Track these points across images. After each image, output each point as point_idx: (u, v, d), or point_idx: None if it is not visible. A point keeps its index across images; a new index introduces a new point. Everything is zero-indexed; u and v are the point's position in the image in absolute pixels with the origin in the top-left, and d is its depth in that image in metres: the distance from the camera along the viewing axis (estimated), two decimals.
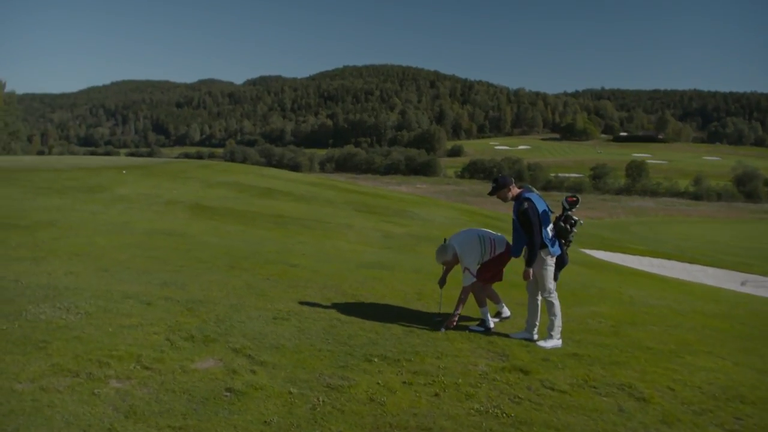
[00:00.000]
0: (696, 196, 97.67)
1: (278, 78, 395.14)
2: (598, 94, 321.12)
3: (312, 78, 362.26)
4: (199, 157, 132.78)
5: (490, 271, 6.82)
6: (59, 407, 3.80)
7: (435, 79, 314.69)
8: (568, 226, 6.25)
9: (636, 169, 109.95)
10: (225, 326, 5.77)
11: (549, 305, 6.21)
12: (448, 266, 7.16)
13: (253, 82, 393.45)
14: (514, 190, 6.33)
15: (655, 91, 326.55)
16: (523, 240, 6.22)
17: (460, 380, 4.84)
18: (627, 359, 5.88)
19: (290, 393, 4.28)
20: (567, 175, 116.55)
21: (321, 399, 4.22)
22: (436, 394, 4.51)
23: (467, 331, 6.44)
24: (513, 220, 6.35)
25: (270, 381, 4.47)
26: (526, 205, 6.08)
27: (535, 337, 6.34)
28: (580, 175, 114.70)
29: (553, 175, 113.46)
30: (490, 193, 6.47)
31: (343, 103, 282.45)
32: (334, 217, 17.85)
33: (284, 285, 7.92)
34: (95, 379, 4.27)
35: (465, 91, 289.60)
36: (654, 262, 19.82)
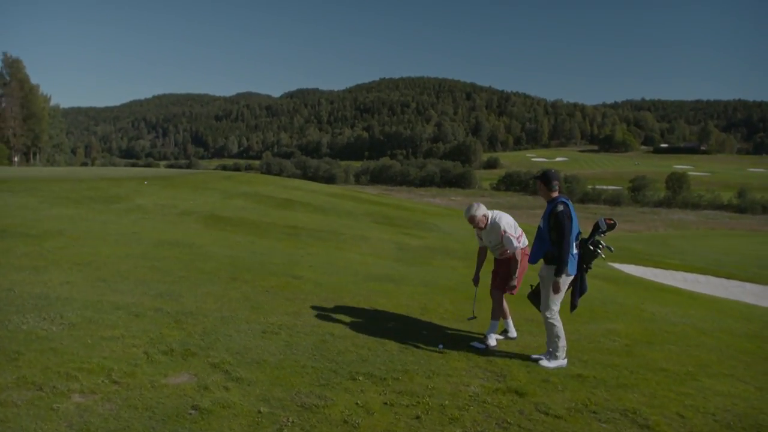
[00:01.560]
0: (740, 209, 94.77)
1: (315, 91, 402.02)
2: (638, 105, 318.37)
3: (348, 90, 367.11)
4: (236, 169, 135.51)
5: (502, 274, 6.55)
6: (12, 422, 3.60)
7: (471, 90, 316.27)
8: (598, 251, 5.82)
9: (677, 181, 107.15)
10: (209, 340, 5.54)
11: (549, 328, 5.79)
12: (480, 258, 6.86)
13: (290, 95, 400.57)
14: (555, 193, 5.85)
15: (698, 102, 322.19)
16: (545, 246, 5.78)
17: (446, 402, 4.53)
18: (636, 381, 5.47)
19: (259, 412, 4.02)
20: (605, 187, 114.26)
21: (290, 420, 3.95)
22: (417, 417, 4.20)
23: (469, 347, 6.13)
24: (539, 225, 5.91)
25: (241, 399, 4.22)
26: (561, 207, 5.66)
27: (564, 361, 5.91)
28: (619, 188, 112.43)
29: (590, 187, 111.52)
30: (536, 177, 6.00)
31: (379, 116, 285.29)
32: (351, 228, 17.60)
33: (283, 297, 7.69)
34: (58, 394, 4.07)
35: (501, 102, 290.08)
36: (688, 277, 19.04)
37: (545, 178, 5.84)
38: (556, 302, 5.74)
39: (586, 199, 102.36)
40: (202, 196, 21.27)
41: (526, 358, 5.97)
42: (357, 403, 4.33)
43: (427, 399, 4.55)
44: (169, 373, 4.60)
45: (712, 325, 9.16)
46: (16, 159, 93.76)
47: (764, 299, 15.24)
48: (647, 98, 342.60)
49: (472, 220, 6.51)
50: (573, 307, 5.95)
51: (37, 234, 11.00)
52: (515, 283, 6.42)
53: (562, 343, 5.74)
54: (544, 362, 5.70)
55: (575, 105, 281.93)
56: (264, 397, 4.29)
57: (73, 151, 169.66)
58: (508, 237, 6.35)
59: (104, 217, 14.04)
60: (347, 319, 6.86)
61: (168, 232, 12.70)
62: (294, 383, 4.63)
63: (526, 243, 6.51)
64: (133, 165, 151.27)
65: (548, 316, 5.77)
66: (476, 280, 6.88)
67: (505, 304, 6.71)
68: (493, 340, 6.42)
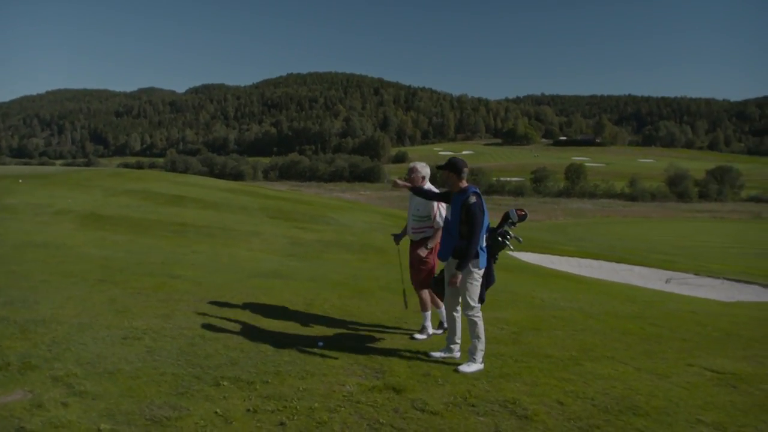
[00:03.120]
0: (631, 197, 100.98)
1: (221, 86, 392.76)
2: (539, 100, 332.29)
3: (255, 86, 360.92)
4: (139, 167, 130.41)
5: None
6: None
7: (379, 86, 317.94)
8: (506, 242, 5.56)
9: (575, 172, 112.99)
10: (58, 350, 4.95)
11: (472, 325, 5.42)
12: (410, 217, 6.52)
13: (195, 91, 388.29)
14: (464, 182, 5.46)
15: (593, 97, 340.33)
16: (453, 241, 5.39)
17: (316, 404, 4.21)
18: (519, 370, 5.37)
19: (99, 430, 3.55)
20: (509, 179, 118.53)
21: None
22: (282, 423, 3.86)
23: (350, 345, 5.83)
24: (447, 217, 5.56)
25: (80, 416, 3.72)
26: (474, 199, 5.27)
27: (458, 355, 5.64)
28: (522, 179, 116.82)
29: (495, 179, 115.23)
30: (440, 167, 5.56)
31: (287, 111, 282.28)
32: (243, 224, 16.97)
33: (155, 299, 7.12)
34: None
35: (409, 97, 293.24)
36: (582, 263, 19.77)
37: (454, 167, 5.44)
38: (475, 297, 5.42)
39: (491, 190, 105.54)
40: (83, 195, 19.89)
41: (413, 351, 5.76)
42: (216, 412, 3.93)
43: (296, 402, 4.21)
44: None
45: (598, 309, 9.41)
46: None
47: (650, 281, 16.03)
48: (547, 93, 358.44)
49: (411, 170, 6.31)
50: (480, 300, 5.58)
51: None
52: (426, 250, 6.23)
53: (482, 345, 5.41)
54: (464, 368, 5.29)
55: (480, 100, 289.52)
56: (109, 412, 3.81)
57: None
58: (441, 209, 6.14)
59: None
60: (223, 319, 6.41)
61: (36, 234, 11.66)
62: (148, 394, 4.17)
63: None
64: (26, 164, 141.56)
65: (470, 314, 5.43)
66: (397, 239, 6.79)
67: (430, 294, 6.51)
68: (431, 329, 6.34)
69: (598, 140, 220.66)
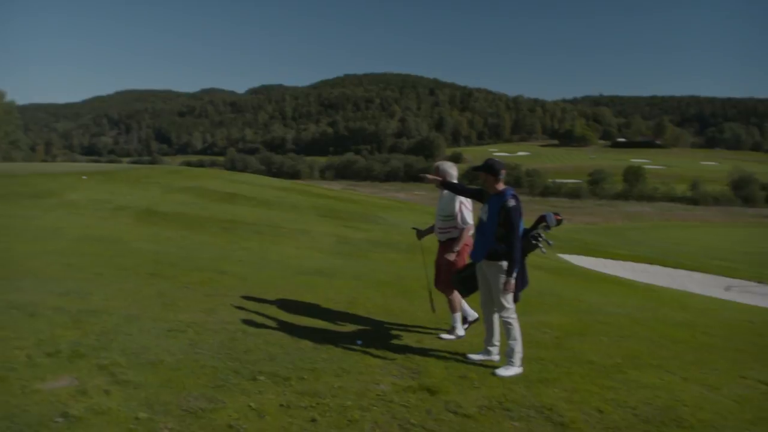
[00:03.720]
0: (693, 201, 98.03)
1: (280, 87, 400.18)
2: (597, 101, 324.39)
3: (313, 86, 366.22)
4: (200, 165, 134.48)
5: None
6: None
7: (434, 86, 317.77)
8: (538, 244, 5.49)
9: (633, 175, 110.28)
10: (105, 340, 5.15)
11: (507, 327, 5.37)
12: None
13: (254, 91, 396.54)
14: (501, 184, 5.43)
15: (653, 98, 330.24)
16: (489, 243, 5.36)
17: (349, 403, 4.24)
18: (559, 376, 5.28)
19: (137, 419, 3.67)
20: (565, 180, 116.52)
21: (169, 426, 3.62)
22: (313, 420, 3.91)
23: (389, 343, 5.85)
24: (481, 218, 5.50)
25: (120, 404, 3.86)
26: (513, 202, 5.23)
27: (497, 358, 5.57)
28: (578, 181, 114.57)
29: (551, 180, 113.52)
30: (476, 169, 5.57)
31: (344, 111, 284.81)
32: (293, 222, 17.20)
33: (201, 294, 7.30)
34: None
35: (464, 98, 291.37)
36: (636, 267, 19.21)
37: (491, 168, 5.38)
38: (509, 299, 5.38)
39: (546, 192, 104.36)
40: (141, 191, 20.55)
41: (451, 353, 5.74)
42: (250, 406, 4.02)
43: (329, 399, 4.26)
44: (48, 377, 4.21)
45: (648, 315, 9.15)
46: None
47: (708, 288, 15.45)
48: (605, 94, 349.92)
49: (436, 169, 6.33)
50: (515, 299, 5.53)
51: None
52: (454, 254, 6.20)
53: (519, 347, 5.34)
54: (501, 371, 5.24)
55: (536, 100, 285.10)
56: (147, 402, 3.94)
57: (33, 149, 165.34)
58: (466, 209, 6.18)
59: (29, 213, 13.33)
60: (265, 315, 6.53)
61: (94, 228, 12.11)
62: (186, 385, 4.29)
63: (472, 224, 6.26)
64: (95, 162, 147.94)
65: (505, 315, 5.39)
66: (419, 234, 6.84)
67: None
68: (461, 330, 6.30)
69: (658, 142, 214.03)
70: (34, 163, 67.36)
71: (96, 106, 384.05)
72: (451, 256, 6.21)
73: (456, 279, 6.03)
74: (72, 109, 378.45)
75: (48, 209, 14.20)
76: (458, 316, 6.38)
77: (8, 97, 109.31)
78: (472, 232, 6.22)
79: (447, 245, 6.32)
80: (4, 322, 5.45)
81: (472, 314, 6.55)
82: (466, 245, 6.28)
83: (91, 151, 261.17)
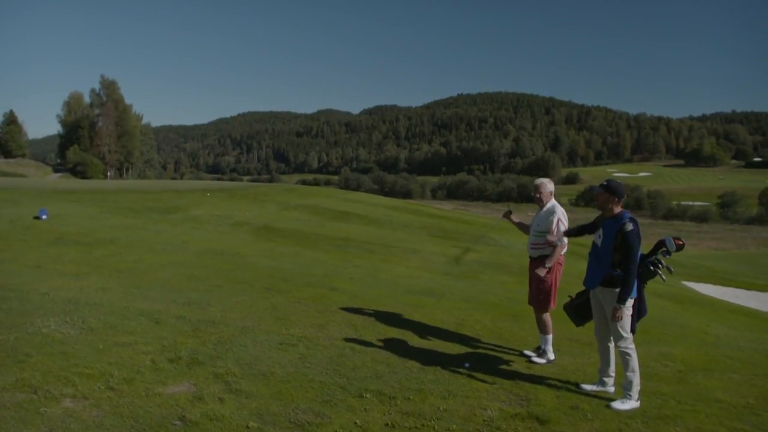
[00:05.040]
0: None
1: (393, 107, 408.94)
2: (729, 118, 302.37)
3: (426, 107, 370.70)
4: (316, 183, 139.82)
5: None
6: None
7: (550, 105, 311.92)
8: (658, 271, 5.18)
9: None
10: (222, 349, 5.39)
11: (625, 358, 5.10)
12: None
13: (369, 112, 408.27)
14: (619, 208, 5.22)
15: None
16: (603, 269, 5.13)
17: (454, 426, 4.15)
18: (681, 413, 4.88)
19: (247, 427, 3.79)
20: (691, 203, 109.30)
21: None
22: None
23: (496, 368, 5.70)
24: (595, 243, 5.30)
25: (233, 412, 4.00)
26: (632, 226, 4.97)
27: (612, 389, 5.30)
28: (707, 204, 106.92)
29: (675, 203, 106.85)
30: (594, 189, 5.39)
31: (457, 131, 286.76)
32: (403, 241, 17.31)
33: (313, 309, 7.49)
34: (50, 397, 4.00)
35: (582, 116, 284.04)
36: None
37: (613, 189, 5.18)
38: (627, 328, 5.10)
39: (670, 215, 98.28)
40: (259, 208, 21.52)
41: (562, 381, 5.50)
42: (356, 423, 4.03)
43: (434, 422, 4.19)
44: (169, 382, 4.46)
45: None
46: (110, 173, 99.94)
47: None
48: (738, 110, 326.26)
49: (536, 188, 6.36)
50: (632, 331, 5.20)
51: (89, 242, 11.28)
52: (545, 270, 6.05)
53: (637, 380, 5.06)
54: (617, 405, 4.95)
55: (659, 118, 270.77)
56: (258, 412, 4.07)
57: (164, 167, 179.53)
58: (561, 225, 6.06)
59: (159, 227, 14.32)
60: (373, 333, 6.57)
61: (216, 242, 12.80)
62: (295, 398, 4.38)
63: (566, 242, 6.16)
64: (218, 179, 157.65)
65: (622, 346, 5.12)
66: (506, 215, 7.02)
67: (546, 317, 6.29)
68: (551, 354, 6.13)
69: None
70: (165, 180, 72.45)
71: (220, 127, 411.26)
72: (542, 272, 6.03)
73: (569, 306, 5.78)
74: (199, 130, 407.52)
75: (175, 224, 15.17)
76: (550, 338, 6.15)
77: (144, 120, 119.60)
78: (565, 249, 6.11)
79: (538, 262, 6.16)
80: (133, 327, 5.84)
81: (551, 354, 6.23)
82: (559, 264, 6.14)
83: (215, 170, 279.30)
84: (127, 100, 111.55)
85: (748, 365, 7.06)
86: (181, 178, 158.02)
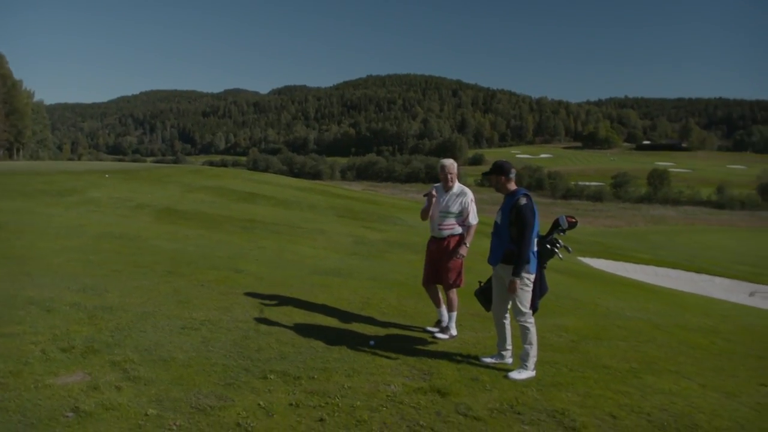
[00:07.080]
0: (719, 205, 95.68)
1: (302, 87, 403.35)
2: (622, 103, 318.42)
3: (336, 87, 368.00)
4: (223, 165, 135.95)
5: (436, 262, 6.36)
6: None
7: (457, 87, 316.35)
8: (555, 250, 5.41)
9: (658, 178, 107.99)
10: (120, 336, 5.20)
11: (524, 331, 5.29)
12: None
13: (277, 92, 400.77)
14: (513, 184, 5.38)
15: (680, 100, 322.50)
16: (504, 246, 5.27)
17: (359, 403, 4.22)
18: (573, 380, 5.18)
19: (146, 415, 3.69)
20: (587, 183, 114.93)
21: (177, 423, 3.63)
22: (321, 419, 3.90)
23: (401, 345, 5.81)
24: (496, 222, 5.42)
25: (131, 400, 3.89)
26: (524, 201, 5.15)
27: (510, 361, 5.50)
28: (601, 184, 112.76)
29: (573, 183, 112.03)
30: (486, 174, 5.54)
31: (366, 112, 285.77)
32: (311, 222, 17.24)
33: (217, 292, 7.34)
34: None
35: (487, 99, 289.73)
36: (658, 272, 18.97)
37: (500, 169, 5.34)
38: (526, 303, 5.29)
39: (569, 195, 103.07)
40: (162, 190, 20.77)
41: (464, 355, 5.68)
42: (259, 404, 4.02)
43: (338, 400, 4.24)
44: (60, 372, 4.26)
45: (668, 320, 8.97)
46: None
47: (732, 293, 15.21)
48: (630, 96, 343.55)
49: (443, 168, 6.28)
50: (533, 309, 5.44)
51: None
52: (463, 252, 6.20)
53: (534, 352, 5.28)
54: (514, 375, 5.18)
55: (560, 102, 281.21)
56: (158, 398, 3.97)
57: (59, 147, 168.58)
58: (474, 208, 6.24)
59: (52, 210, 13.55)
60: (279, 314, 6.54)
61: (115, 226, 12.26)
62: (197, 382, 4.31)
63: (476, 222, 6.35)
64: (120, 161, 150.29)
65: (521, 320, 5.30)
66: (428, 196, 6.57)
67: (435, 289, 6.51)
68: (454, 330, 6.31)
69: (684, 145, 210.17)
70: (59, 161, 68.46)
71: (122, 105, 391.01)
72: (464, 251, 6.21)
73: (479, 292, 5.89)
74: (98, 108, 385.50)
75: (70, 206, 14.40)
76: (455, 315, 6.36)
77: (36, 97, 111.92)
78: (474, 225, 6.34)
79: (447, 242, 6.29)
80: (22, 317, 5.53)
81: (454, 331, 6.43)
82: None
83: (116, 151, 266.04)
84: (17, 75, 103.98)
85: (634, 333, 7.57)
86: (79, 159, 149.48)
